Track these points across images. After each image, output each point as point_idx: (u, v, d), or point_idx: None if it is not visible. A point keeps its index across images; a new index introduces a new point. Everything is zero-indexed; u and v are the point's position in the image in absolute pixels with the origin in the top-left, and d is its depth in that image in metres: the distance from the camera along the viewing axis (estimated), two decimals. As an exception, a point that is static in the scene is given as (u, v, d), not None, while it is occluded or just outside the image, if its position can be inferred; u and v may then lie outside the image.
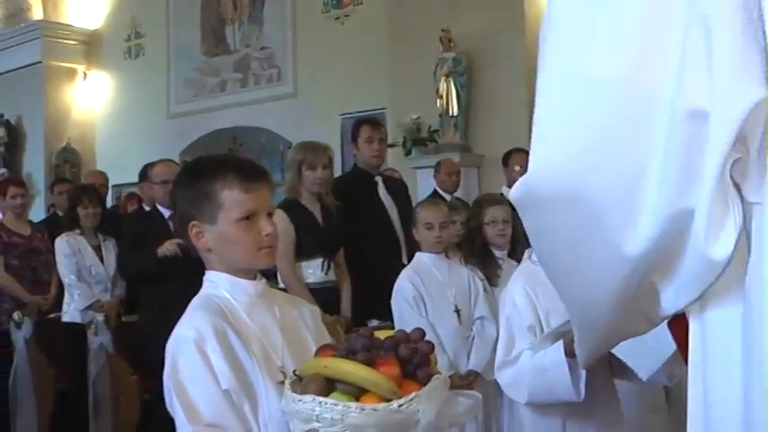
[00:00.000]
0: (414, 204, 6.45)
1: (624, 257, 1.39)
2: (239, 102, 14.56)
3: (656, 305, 1.49)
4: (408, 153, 11.29)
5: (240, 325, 2.46)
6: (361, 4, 13.35)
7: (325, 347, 2.33)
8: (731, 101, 1.24)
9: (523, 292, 3.35)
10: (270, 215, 2.58)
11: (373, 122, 6.98)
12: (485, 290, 5.33)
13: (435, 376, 2.20)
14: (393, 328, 5.16)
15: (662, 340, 2.59)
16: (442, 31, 11.10)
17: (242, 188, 2.50)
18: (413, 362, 2.18)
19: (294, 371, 2.25)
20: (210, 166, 2.63)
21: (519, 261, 5.48)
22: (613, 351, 2.75)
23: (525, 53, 10.99)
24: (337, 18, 13.61)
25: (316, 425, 2.03)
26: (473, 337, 5.19)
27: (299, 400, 2.07)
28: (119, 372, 6.70)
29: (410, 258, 6.08)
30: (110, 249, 7.59)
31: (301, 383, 2.17)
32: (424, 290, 5.14)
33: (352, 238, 6.20)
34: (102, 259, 7.55)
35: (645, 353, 2.68)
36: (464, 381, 5.02)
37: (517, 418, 3.42)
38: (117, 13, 16.19)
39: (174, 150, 13.51)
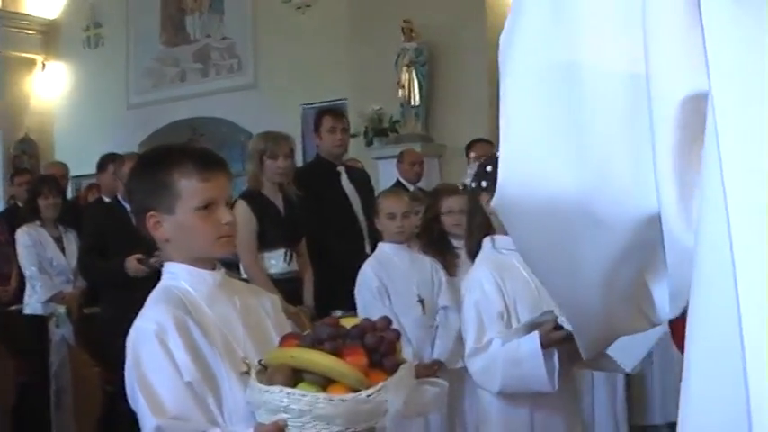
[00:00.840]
0: (376, 195, 6.47)
1: (601, 257, 1.36)
2: (199, 92, 14.43)
3: (651, 305, 1.45)
4: (370, 143, 11.30)
5: (201, 316, 2.44)
6: (323, -7, 13.33)
7: (289, 336, 2.32)
8: (673, 88, 1.22)
9: (491, 278, 3.34)
10: (228, 204, 2.57)
11: (336, 112, 6.99)
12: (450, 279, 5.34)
13: (402, 365, 2.20)
14: (357, 317, 5.18)
15: (647, 332, 2.59)
16: (404, 21, 11.11)
17: (200, 177, 2.48)
18: (379, 350, 2.18)
19: (259, 361, 2.23)
20: (167, 156, 2.60)
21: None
22: None
23: (487, 43, 11.00)
24: (298, 8, 13.55)
25: (283, 416, 2.01)
26: (437, 327, 5.20)
27: (266, 391, 2.06)
28: (80, 364, 6.66)
29: (373, 248, 6.09)
30: (71, 241, 7.54)
31: (267, 374, 2.15)
32: (388, 280, 5.14)
33: (314, 229, 6.19)
34: (63, 251, 7.49)
35: (627, 344, 2.68)
36: (428, 370, 5.01)
37: (482, 407, 3.42)
38: (76, 2, 15.97)
39: (134, 141, 13.39)
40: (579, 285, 1.48)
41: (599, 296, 1.47)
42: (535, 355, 3.07)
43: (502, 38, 1.43)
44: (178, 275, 2.54)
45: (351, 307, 5.54)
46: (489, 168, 3.44)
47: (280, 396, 2.02)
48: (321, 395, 2.01)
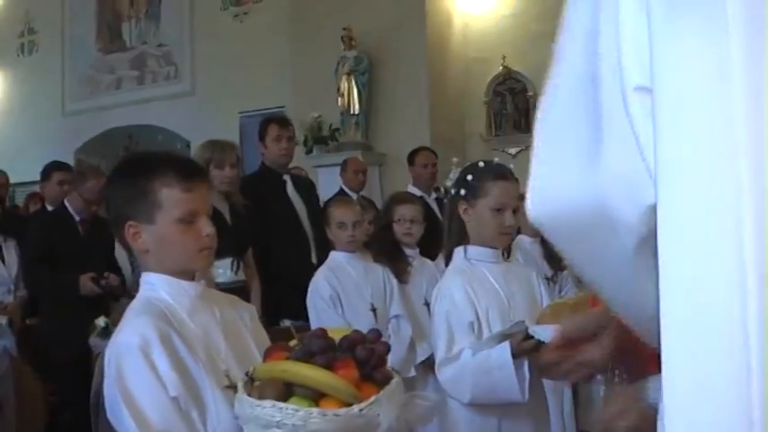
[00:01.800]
0: (320, 203, 6.47)
1: (625, 255, 1.37)
2: (135, 99, 14.33)
3: None
4: (309, 152, 11.28)
5: (184, 328, 2.38)
6: (261, 1, 13.30)
7: (276, 349, 2.26)
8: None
9: (461, 289, 3.34)
10: (209, 215, 2.49)
11: (281, 121, 6.93)
12: (401, 288, 5.36)
13: (393, 379, 2.19)
14: (307, 327, 5.17)
15: None
16: (344, 29, 11.11)
17: (182, 187, 2.41)
18: (370, 363, 2.15)
19: (246, 373, 2.18)
20: (149, 164, 2.52)
21: (432, 259, 5.59)
22: None
23: (426, 53, 11.11)
24: (236, 15, 13.54)
25: (275, 431, 1.99)
26: (389, 336, 5.20)
27: (258, 406, 2.02)
28: (22, 375, 6.55)
29: (319, 257, 6.08)
30: (10, 250, 7.41)
31: (258, 388, 2.12)
32: (341, 288, 5.14)
33: (261, 238, 6.16)
34: (3, 260, 7.38)
35: None
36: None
37: (450, 416, 3.42)
38: (10, 7, 15.77)
39: (69, 149, 13.25)
40: (625, 293, 1.51)
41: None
42: (506, 365, 3.07)
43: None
44: (158, 287, 2.46)
45: (299, 316, 5.53)
46: (470, 177, 3.47)
47: (272, 411, 1.98)
48: (314, 410, 1.98)
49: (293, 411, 1.97)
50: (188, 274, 2.51)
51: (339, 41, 11.16)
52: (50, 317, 6.51)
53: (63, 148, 12.56)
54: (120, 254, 7.29)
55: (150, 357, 2.27)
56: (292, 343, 2.25)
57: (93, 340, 5.75)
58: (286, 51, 12.08)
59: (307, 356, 2.09)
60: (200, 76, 13.80)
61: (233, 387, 2.20)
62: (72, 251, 6.19)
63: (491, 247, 3.49)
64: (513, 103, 11.94)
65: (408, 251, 5.60)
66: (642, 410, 1.76)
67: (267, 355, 2.25)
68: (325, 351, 2.09)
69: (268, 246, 6.23)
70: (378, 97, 11.34)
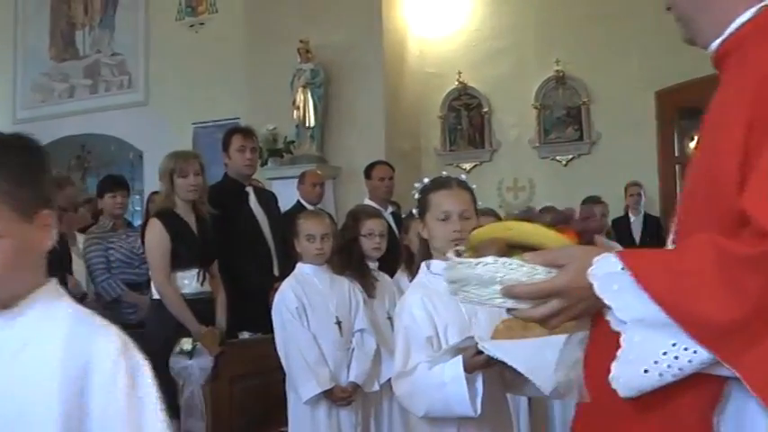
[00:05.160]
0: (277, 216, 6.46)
1: None
2: (89, 108, 14.18)
3: None
4: (264, 164, 11.23)
5: None
6: (217, 12, 13.26)
7: None
8: None
9: (421, 304, 3.36)
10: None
11: (245, 131, 6.93)
12: (364, 302, 5.35)
13: None
14: (268, 340, 5.16)
15: (564, 355, 2.64)
16: (300, 42, 11.09)
17: None
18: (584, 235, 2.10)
19: (455, 250, 2.14)
20: None
21: (391, 274, 5.59)
22: (512, 365, 2.79)
23: (382, 66, 11.12)
24: (192, 26, 13.48)
25: (496, 288, 1.90)
26: (353, 349, 5.20)
27: (478, 264, 1.92)
28: None
29: (281, 269, 6.06)
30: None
31: (477, 248, 2.07)
32: (307, 300, 5.13)
33: (225, 249, 6.15)
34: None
35: (545, 366, 2.71)
36: (344, 393, 5.05)
37: (409, 427, 3.42)
38: (-39, 14, 15.60)
39: (21, 157, 13.09)
40: None
41: None
42: (458, 379, 3.08)
43: None
44: None
45: (260, 328, 5.52)
46: (417, 196, 3.57)
47: (495, 267, 1.89)
48: (539, 267, 1.87)
49: (517, 266, 1.88)
50: None
51: (295, 54, 11.14)
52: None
53: (14, 156, 12.38)
54: (77, 263, 7.25)
55: None
56: None
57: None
58: (241, 62, 12.05)
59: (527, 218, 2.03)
60: (155, 86, 13.72)
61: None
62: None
63: (452, 261, 3.49)
64: (468, 119, 12.00)
65: (372, 265, 5.59)
66: None
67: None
68: (558, 220, 2.03)
69: (231, 257, 6.21)
70: (333, 110, 11.34)
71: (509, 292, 1.87)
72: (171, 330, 5.61)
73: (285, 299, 5.13)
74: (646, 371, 1.72)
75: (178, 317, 5.69)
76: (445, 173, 3.74)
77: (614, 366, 1.77)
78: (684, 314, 1.66)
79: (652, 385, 1.72)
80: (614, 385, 1.77)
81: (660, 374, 1.71)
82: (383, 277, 5.59)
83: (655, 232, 10.73)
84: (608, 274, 1.76)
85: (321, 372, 4.98)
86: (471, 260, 1.96)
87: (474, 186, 3.64)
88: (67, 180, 6.60)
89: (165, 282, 5.76)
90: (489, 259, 1.92)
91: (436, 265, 3.45)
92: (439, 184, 3.56)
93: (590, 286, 1.76)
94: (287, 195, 9.09)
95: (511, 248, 2.04)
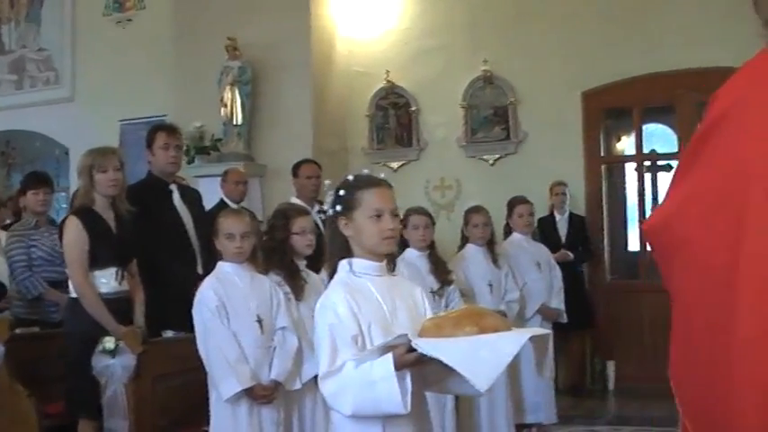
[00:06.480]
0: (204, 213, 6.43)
1: None
2: (13, 104, 13.92)
3: None
4: (191, 161, 11.18)
5: None
6: (144, 8, 13.17)
7: None
8: None
9: (345, 302, 3.32)
10: None
11: (170, 129, 6.85)
12: (288, 300, 5.34)
13: None
14: (191, 339, 5.13)
15: (499, 351, 2.68)
16: (228, 39, 11.06)
17: None
18: None
19: None
20: None
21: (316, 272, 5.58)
22: (448, 363, 2.80)
23: (311, 64, 11.14)
24: (119, 22, 13.37)
25: None
26: (274, 348, 5.19)
27: None
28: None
29: (206, 268, 6.03)
30: None
31: None
32: (227, 299, 5.09)
33: (146, 247, 6.10)
34: None
35: (480, 364, 2.74)
36: (265, 391, 5.03)
37: (333, 427, 3.40)
38: None
39: (-55, 152, 12.93)
40: None
41: None
42: (388, 377, 3.04)
43: None
44: None
45: (182, 327, 5.48)
46: (342, 192, 3.47)
47: None
48: None
49: None
50: None
51: (223, 51, 11.10)
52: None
53: (-62, 152, 12.22)
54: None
55: None
56: None
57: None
58: (169, 59, 11.99)
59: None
60: (81, 82, 13.56)
61: None
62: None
63: (376, 261, 3.48)
64: (396, 118, 12.05)
65: (299, 264, 5.58)
66: None
67: None
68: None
69: (153, 256, 6.16)
70: (261, 108, 11.32)
71: None
72: (89, 329, 5.55)
73: (205, 297, 5.10)
74: None
75: (96, 317, 5.62)
76: (366, 171, 3.72)
77: None
78: None
79: None
80: None
81: None
82: (311, 276, 5.58)
83: (580, 231, 10.87)
84: None
85: (241, 370, 4.95)
86: None
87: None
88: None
89: (82, 281, 5.69)
90: None
91: (359, 263, 3.46)
92: (370, 182, 3.51)
93: None
94: (214, 193, 9.08)
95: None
